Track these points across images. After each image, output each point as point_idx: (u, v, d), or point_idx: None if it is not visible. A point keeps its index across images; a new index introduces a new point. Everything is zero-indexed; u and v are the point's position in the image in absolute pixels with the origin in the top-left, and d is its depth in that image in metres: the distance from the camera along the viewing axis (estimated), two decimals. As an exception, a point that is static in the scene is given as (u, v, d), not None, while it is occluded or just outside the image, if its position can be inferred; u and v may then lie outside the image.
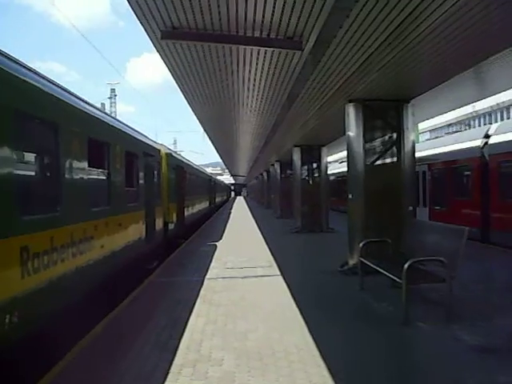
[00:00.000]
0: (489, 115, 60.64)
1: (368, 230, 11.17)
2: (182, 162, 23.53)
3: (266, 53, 9.64)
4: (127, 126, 13.24)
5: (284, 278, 11.12)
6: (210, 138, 35.36)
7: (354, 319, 7.80)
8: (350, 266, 11.32)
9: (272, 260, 14.04)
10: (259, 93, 13.69)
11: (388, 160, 11.59)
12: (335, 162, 44.08)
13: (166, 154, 18.54)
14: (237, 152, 41.43)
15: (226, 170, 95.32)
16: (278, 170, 33.13)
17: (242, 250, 16.52)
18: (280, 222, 29.57)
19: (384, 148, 11.56)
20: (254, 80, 11.99)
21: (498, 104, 56.98)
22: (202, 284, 10.79)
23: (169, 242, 18.55)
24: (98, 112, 9.82)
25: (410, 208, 11.40)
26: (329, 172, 41.89)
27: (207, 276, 11.76)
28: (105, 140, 10.00)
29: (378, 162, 11.60)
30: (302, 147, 22.35)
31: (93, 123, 9.30)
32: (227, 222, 31.51)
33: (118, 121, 11.97)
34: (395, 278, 7.99)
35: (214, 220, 34.79)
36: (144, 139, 14.57)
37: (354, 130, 11.42)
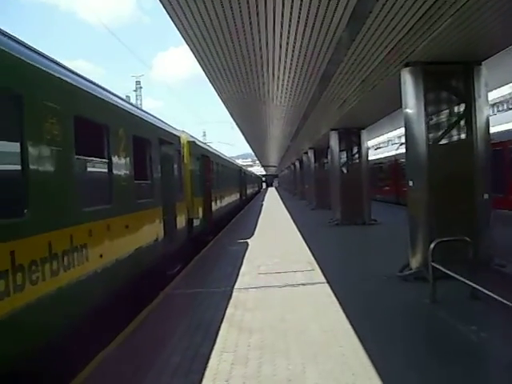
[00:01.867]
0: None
1: (434, 224, 8.93)
2: (208, 151, 21.46)
3: (300, 8, 7.57)
4: (138, 108, 11.27)
5: (331, 287, 8.97)
6: (239, 128, 33.54)
7: (438, 355, 5.61)
8: (412, 271, 9.08)
9: (313, 261, 11.90)
10: (292, 67, 11.55)
11: (456, 138, 9.28)
12: (370, 149, 41.50)
13: (189, 141, 16.51)
14: (267, 141, 39.39)
15: (257, 162, 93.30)
16: (312, 159, 30.80)
17: (276, 249, 14.43)
18: (315, 213, 27.35)
19: (450, 123, 9.24)
20: (286, 50, 9.90)
21: None
22: (230, 297, 8.74)
23: (195, 241, 16.60)
24: (89, 84, 7.79)
25: (486, 196, 9.09)
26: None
27: (236, 285, 9.71)
28: (101, 121, 8.01)
29: (444, 141, 9.31)
30: (339, 131, 20.02)
31: (81, 97, 7.27)
32: (259, 215, 29.45)
33: (122, 100, 9.94)
34: (487, 292, 5.82)
35: (245, 213, 32.77)
36: (160, 124, 12.55)
37: (412, 101, 9.15)
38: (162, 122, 13.67)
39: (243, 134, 33.79)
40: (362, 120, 18.53)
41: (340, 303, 7.81)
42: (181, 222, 13.93)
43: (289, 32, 8.91)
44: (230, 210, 29.53)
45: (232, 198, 31.41)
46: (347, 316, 7.08)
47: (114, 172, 8.31)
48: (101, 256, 7.51)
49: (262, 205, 41.29)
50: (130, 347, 6.45)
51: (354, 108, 15.37)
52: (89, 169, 7.69)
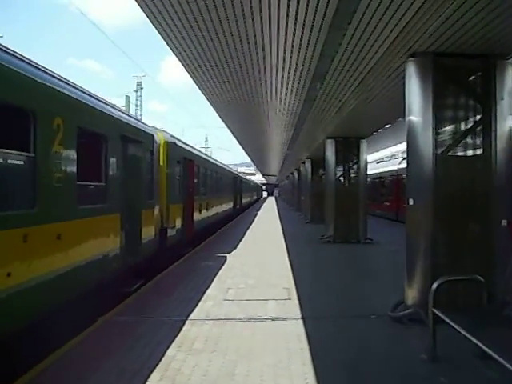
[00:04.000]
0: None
1: (437, 254, 7.20)
2: (193, 154, 19.73)
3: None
4: (103, 101, 9.59)
5: (305, 327, 7.21)
6: (237, 139, 31.96)
7: None
8: (407, 310, 7.31)
9: (292, 286, 10.16)
10: (286, 62, 9.97)
11: (470, 148, 7.53)
12: (372, 163, 39.87)
13: (167, 142, 14.81)
14: (265, 149, 37.80)
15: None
16: (309, 169, 29.08)
17: (255, 267, 12.69)
18: (309, 227, 25.58)
19: (464, 130, 7.49)
20: (278, 42, 8.42)
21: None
22: (179, 332, 7.00)
23: (170, 252, 14.90)
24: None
25: (504, 223, 7.33)
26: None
27: (193, 314, 7.97)
28: (24, 106, 6.34)
29: (455, 152, 7.54)
30: (336, 140, 18.27)
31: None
32: (250, 225, 27.70)
33: (72, 86, 8.23)
34: (502, 362, 4.14)
35: (235, 223, 30.99)
36: (127, 119, 10.86)
37: (417, 101, 7.42)
38: (133, 117, 12.03)
39: (238, 141, 32.24)
40: (361, 129, 16.80)
41: (310, 352, 6.06)
42: (148, 231, 12.17)
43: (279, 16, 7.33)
44: (220, 219, 27.76)
45: (222, 206, 29.62)
46: (316, 373, 5.35)
47: (41, 170, 6.62)
48: (8, 275, 5.84)
49: (256, 214, 39.54)
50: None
51: (352, 114, 13.66)
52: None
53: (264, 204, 69.30)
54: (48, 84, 7.08)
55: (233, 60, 10.08)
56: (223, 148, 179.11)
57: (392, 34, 7.33)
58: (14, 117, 6.38)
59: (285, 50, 9.36)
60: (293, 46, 8.99)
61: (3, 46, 6.19)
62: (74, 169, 7.70)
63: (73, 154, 7.63)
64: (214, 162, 29.54)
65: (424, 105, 7.29)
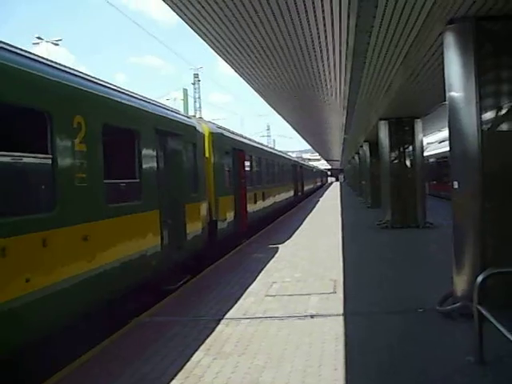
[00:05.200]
0: None
1: (487, 241, 6.46)
2: (243, 143, 19.35)
3: None
4: (131, 95, 9.37)
5: (345, 325, 6.71)
6: (291, 126, 31.55)
7: None
8: (456, 305, 6.62)
9: (340, 278, 9.63)
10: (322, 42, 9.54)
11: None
12: (435, 143, 38.20)
13: (212, 133, 14.50)
14: (325, 135, 37.12)
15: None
16: (367, 153, 28.09)
17: (305, 258, 12.25)
18: (370, 213, 24.70)
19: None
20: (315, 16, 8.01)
21: None
22: (211, 333, 6.67)
23: (222, 245, 14.67)
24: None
25: None
26: (429, 153, 36.76)
27: (229, 313, 7.62)
28: (38, 107, 6.16)
29: (505, 127, 6.75)
30: (389, 121, 17.39)
31: None
32: (309, 212, 27.15)
33: (94, 83, 8.01)
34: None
35: (296, 210, 30.50)
36: (162, 112, 10.60)
37: (458, 73, 6.66)
38: (171, 110, 11.75)
39: (293, 127, 31.77)
40: (414, 108, 15.81)
41: (345, 354, 5.56)
42: (194, 226, 11.91)
43: None
44: (279, 208, 27.35)
45: (281, 195, 29.17)
46: (346, 381, 4.85)
47: (59, 171, 6.42)
48: (27, 281, 5.69)
49: (317, 201, 38.87)
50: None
51: (400, 93, 12.87)
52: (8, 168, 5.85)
53: (328, 190, 68.34)
54: (64, 83, 6.85)
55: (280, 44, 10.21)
56: (286, 136, 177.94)
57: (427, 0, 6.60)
58: (27, 119, 6.23)
59: (322, 27, 8.90)
60: (325, 20, 8.49)
61: (9, 45, 6.01)
62: (101, 167, 7.49)
63: (98, 152, 7.42)
64: (269, 150, 29.12)
65: (466, 77, 6.52)
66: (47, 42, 39.16)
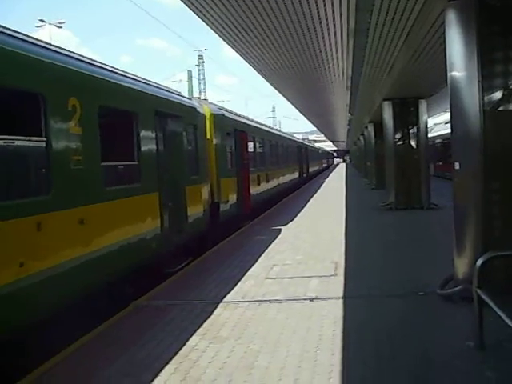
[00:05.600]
0: None
1: (488, 223, 6.34)
2: (245, 125, 19.18)
3: None
4: (130, 76, 9.24)
5: (344, 308, 6.64)
6: (295, 106, 31.21)
7: None
8: (457, 288, 6.53)
9: (341, 260, 9.56)
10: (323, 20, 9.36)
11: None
12: (441, 124, 37.90)
13: (214, 114, 14.35)
14: (330, 116, 36.80)
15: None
16: (372, 133, 27.83)
17: (308, 240, 12.18)
18: (374, 194, 24.57)
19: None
20: None
21: None
22: (209, 316, 6.63)
23: (225, 227, 14.61)
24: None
25: None
26: (435, 134, 36.47)
27: (228, 296, 7.57)
28: (29, 89, 6.05)
29: (508, 107, 6.58)
30: (393, 101, 17.16)
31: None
32: (314, 194, 27.03)
33: (90, 64, 7.87)
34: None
35: (301, 192, 30.38)
36: (160, 93, 10.45)
37: (459, 51, 6.48)
38: (170, 91, 11.60)
39: (296, 107, 31.48)
40: (418, 88, 15.57)
41: (343, 339, 5.50)
42: (195, 208, 11.83)
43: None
44: (283, 189, 27.24)
45: (285, 177, 29.03)
46: (343, 366, 4.78)
47: (54, 154, 6.33)
48: (21, 265, 5.63)
49: (322, 182, 38.71)
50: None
51: (404, 73, 12.66)
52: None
53: (333, 171, 68.08)
54: (58, 64, 6.73)
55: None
56: (291, 117, 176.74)
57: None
58: (20, 101, 6.14)
59: (322, 5, 8.71)
60: None
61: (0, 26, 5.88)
62: (98, 150, 7.41)
63: (95, 135, 7.33)
64: (273, 131, 28.91)
65: (468, 56, 6.33)
66: (50, 24, 38.91)
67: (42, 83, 6.22)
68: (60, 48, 7.22)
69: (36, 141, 6.11)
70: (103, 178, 7.57)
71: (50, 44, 7.03)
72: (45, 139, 6.15)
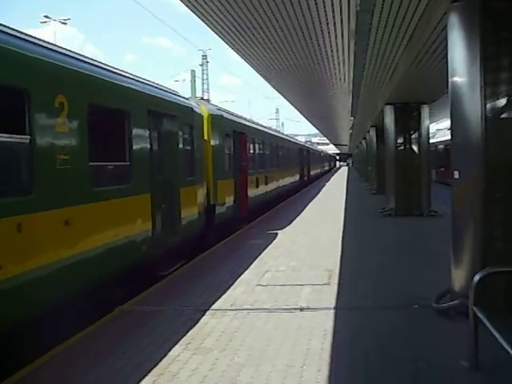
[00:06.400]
0: None
1: (488, 236, 6.09)
2: (245, 126, 18.95)
3: None
4: (123, 74, 9.01)
5: (335, 320, 6.38)
6: (297, 109, 31.00)
7: None
8: (453, 302, 6.27)
9: (336, 268, 9.32)
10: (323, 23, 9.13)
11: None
12: (444, 129, 37.71)
13: (212, 115, 14.13)
14: (333, 119, 36.58)
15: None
16: (374, 138, 27.63)
17: (303, 246, 11.95)
18: (375, 199, 24.34)
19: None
20: None
21: None
22: (195, 324, 6.38)
23: (221, 229, 14.38)
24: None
25: None
26: (438, 139, 36.25)
27: (217, 303, 7.33)
28: (15, 84, 5.83)
29: (509, 115, 6.31)
30: (395, 106, 16.93)
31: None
32: (314, 198, 26.76)
33: (81, 61, 7.64)
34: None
35: (300, 195, 30.13)
36: (154, 92, 10.20)
37: (462, 55, 6.24)
38: (166, 90, 11.35)
39: (299, 110, 31.26)
40: (421, 93, 15.34)
41: (331, 353, 5.24)
42: (189, 210, 11.60)
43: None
44: (283, 192, 27.01)
45: (285, 179, 28.81)
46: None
47: (38, 153, 6.10)
48: (-1, 268, 5.40)
49: (323, 186, 38.45)
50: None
51: (406, 77, 12.43)
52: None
53: (335, 174, 67.82)
54: (45, 60, 6.50)
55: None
56: (294, 120, 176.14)
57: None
58: (2, 96, 5.90)
59: (322, 7, 8.48)
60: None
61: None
62: (86, 149, 7.18)
63: (83, 133, 7.10)
64: (274, 133, 28.67)
65: (470, 61, 6.07)
66: (55, 20, 38.76)
67: (26, 79, 6.00)
68: (48, 43, 7.02)
69: (18, 138, 5.88)
70: (91, 178, 7.34)
71: (38, 39, 6.77)
72: (28, 137, 5.92)
